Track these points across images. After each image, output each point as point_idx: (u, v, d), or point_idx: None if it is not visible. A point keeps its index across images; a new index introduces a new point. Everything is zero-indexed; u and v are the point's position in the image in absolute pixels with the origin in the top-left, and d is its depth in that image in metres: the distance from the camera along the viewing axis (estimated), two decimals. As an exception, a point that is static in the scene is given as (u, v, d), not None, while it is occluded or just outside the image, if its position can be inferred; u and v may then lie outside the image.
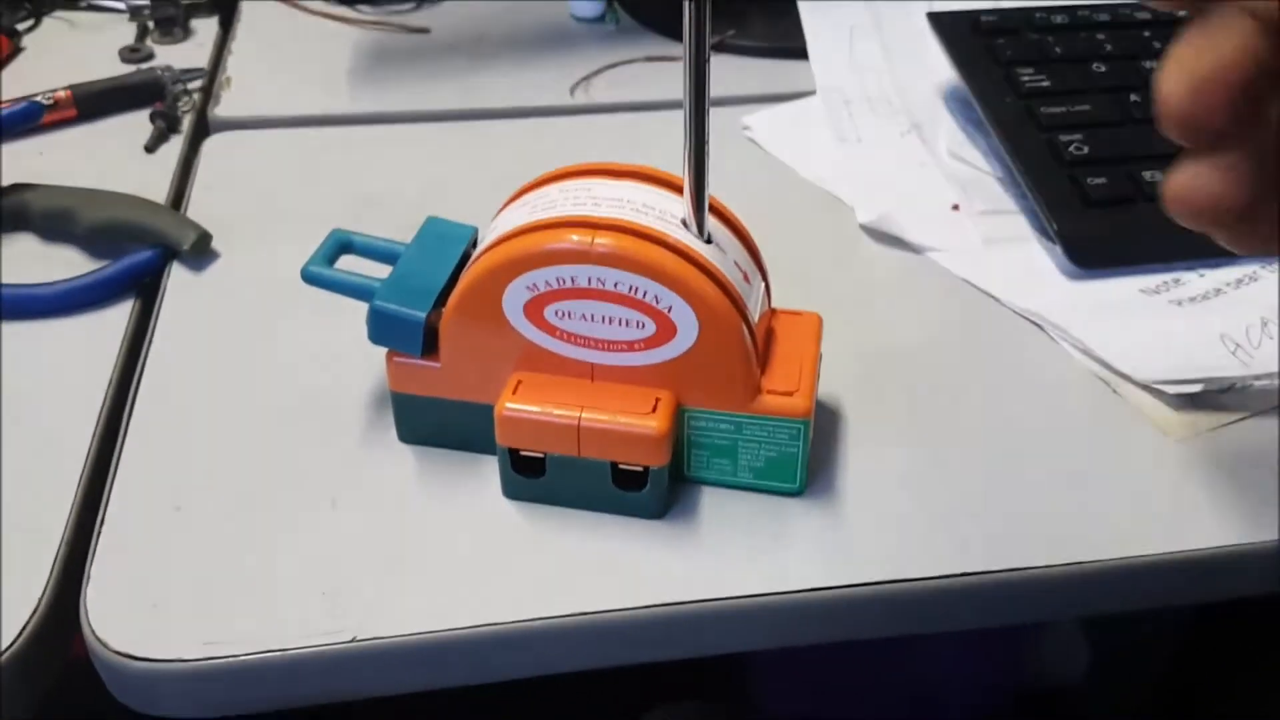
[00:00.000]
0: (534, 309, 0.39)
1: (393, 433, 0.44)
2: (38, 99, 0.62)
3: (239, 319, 0.50)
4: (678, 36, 0.35)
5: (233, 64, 0.68)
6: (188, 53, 0.70)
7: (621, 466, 0.40)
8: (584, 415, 0.39)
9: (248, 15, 0.74)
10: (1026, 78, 0.58)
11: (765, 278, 0.42)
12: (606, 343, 0.39)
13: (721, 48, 0.69)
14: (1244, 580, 0.41)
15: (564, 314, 0.39)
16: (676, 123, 0.37)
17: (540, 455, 0.40)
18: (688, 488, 0.42)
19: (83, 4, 0.75)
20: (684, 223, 0.39)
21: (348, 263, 0.43)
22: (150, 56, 0.70)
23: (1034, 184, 0.53)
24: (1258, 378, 0.45)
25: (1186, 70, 0.29)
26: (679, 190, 0.39)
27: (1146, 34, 0.60)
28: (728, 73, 0.67)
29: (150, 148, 0.61)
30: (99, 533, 0.40)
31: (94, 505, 0.41)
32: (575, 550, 0.40)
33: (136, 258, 0.52)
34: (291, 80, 0.67)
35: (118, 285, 0.51)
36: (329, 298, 0.42)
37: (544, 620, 0.38)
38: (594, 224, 0.38)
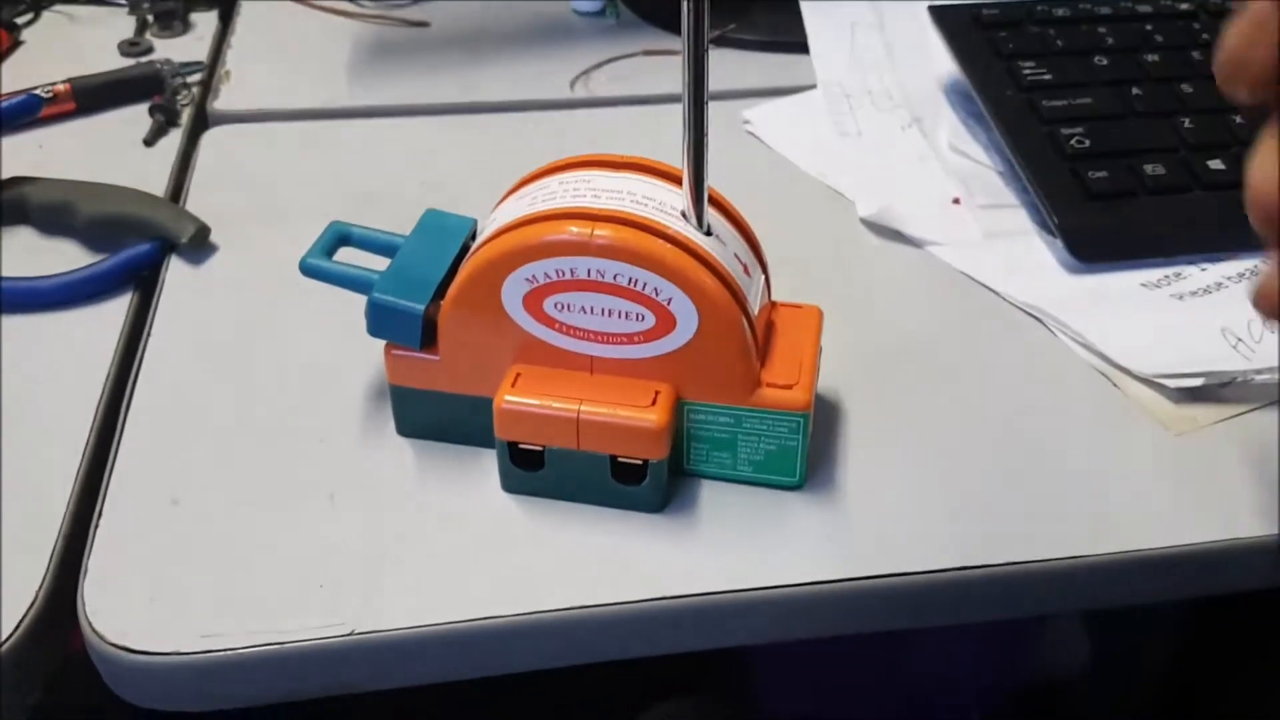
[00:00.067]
0: (533, 301, 0.39)
1: (391, 426, 0.44)
2: (37, 92, 0.62)
3: (237, 312, 0.50)
4: (678, 30, 0.35)
5: (232, 57, 0.68)
6: (187, 46, 0.70)
7: (621, 460, 0.39)
8: (583, 408, 0.39)
9: (247, 9, 0.74)
10: (1028, 71, 0.57)
11: (765, 271, 0.42)
12: (606, 335, 0.39)
13: (722, 41, 0.69)
14: (1245, 575, 0.41)
15: (563, 306, 0.39)
16: (676, 116, 0.37)
17: (539, 448, 0.40)
18: (687, 481, 0.42)
19: (82, -3, 0.75)
20: (683, 215, 0.39)
21: (346, 255, 0.43)
22: (149, 50, 0.69)
23: (1035, 177, 0.53)
24: (1259, 372, 0.45)
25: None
26: (678, 182, 0.39)
27: (1148, 27, 0.60)
28: (728, 66, 0.67)
29: (149, 141, 0.61)
30: (97, 526, 0.40)
31: (92, 498, 0.41)
32: (574, 544, 0.40)
33: (135, 251, 0.52)
34: (291, 74, 0.67)
35: (116, 278, 0.51)
36: (327, 290, 0.42)
37: (543, 614, 0.37)
38: (593, 216, 0.38)
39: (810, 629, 0.40)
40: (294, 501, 0.41)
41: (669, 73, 0.67)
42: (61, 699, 0.42)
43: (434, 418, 0.42)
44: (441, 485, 0.42)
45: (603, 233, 0.37)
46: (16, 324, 0.49)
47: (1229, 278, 0.50)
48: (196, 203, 0.56)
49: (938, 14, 0.62)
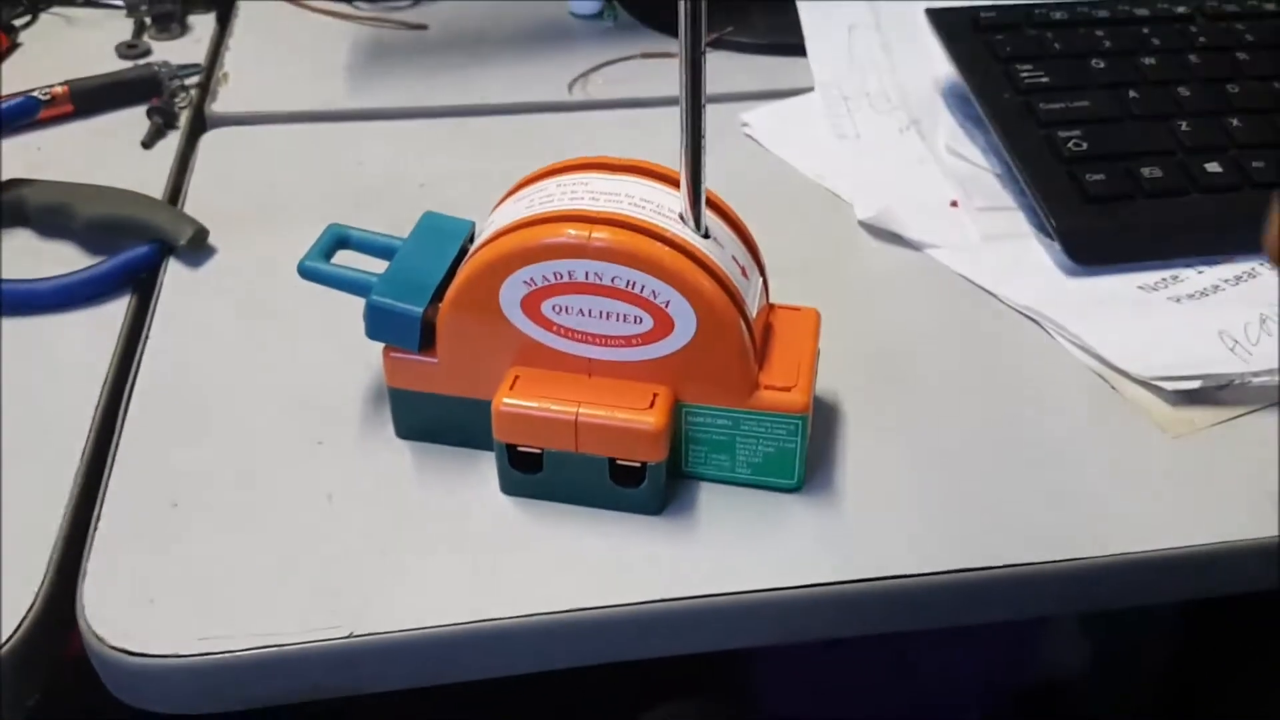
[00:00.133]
0: (531, 304, 0.39)
1: (390, 428, 0.44)
2: (35, 94, 0.62)
3: (236, 314, 0.50)
4: (675, 33, 0.35)
5: (230, 60, 0.68)
6: (185, 48, 0.70)
7: (619, 462, 0.39)
8: (581, 410, 0.39)
9: (245, 11, 0.74)
10: (1025, 74, 0.58)
11: (763, 273, 0.42)
12: (604, 338, 0.39)
13: (720, 44, 0.69)
14: (1242, 576, 0.41)
15: (561, 309, 0.39)
16: (674, 119, 0.37)
17: (538, 451, 0.40)
18: (685, 483, 0.42)
19: (79, 0, 0.75)
20: (681, 218, 0.39)
21: (345, 258, 0.43)
22: (147, 52, 0.70)
23: (1032, 180, 0.53)
24: (1256, 374, 0.45)
25: None
26: (676, 185, 0.39)
27: (1145, 31, 0.60)
28: (726, 69, 0.67)
29: (147, 143, 0.61)
30: (95, 528, 0.40)
31: (90, 501, 0.41)
32: (573, 546, 0.40)
33: (133, 253, 0.52)
34: (289, 76, 0.67)
35: (114, 280, 0.51)
36: (326, 293, 0.42)
37: (541, 616, 0.37)
38: (591, 218, 0.38)
39: (809, 631, 0.40)
40: (293, 504, 0.41)
41: (667, 75, 0.67)
42: (59, 701, 0.42)
43: (432, 420, 0.43)
44: (440, 487, 0.42)
45: (600, 235, 0.37)
46: (15, 326, 0.49)
47: (1226, 280, 0.51)
48: (195, 205, 0.56)
49: (935, 16, 0.62)
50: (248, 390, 0.46)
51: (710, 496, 0.41)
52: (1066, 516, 0.41)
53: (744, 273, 0.40)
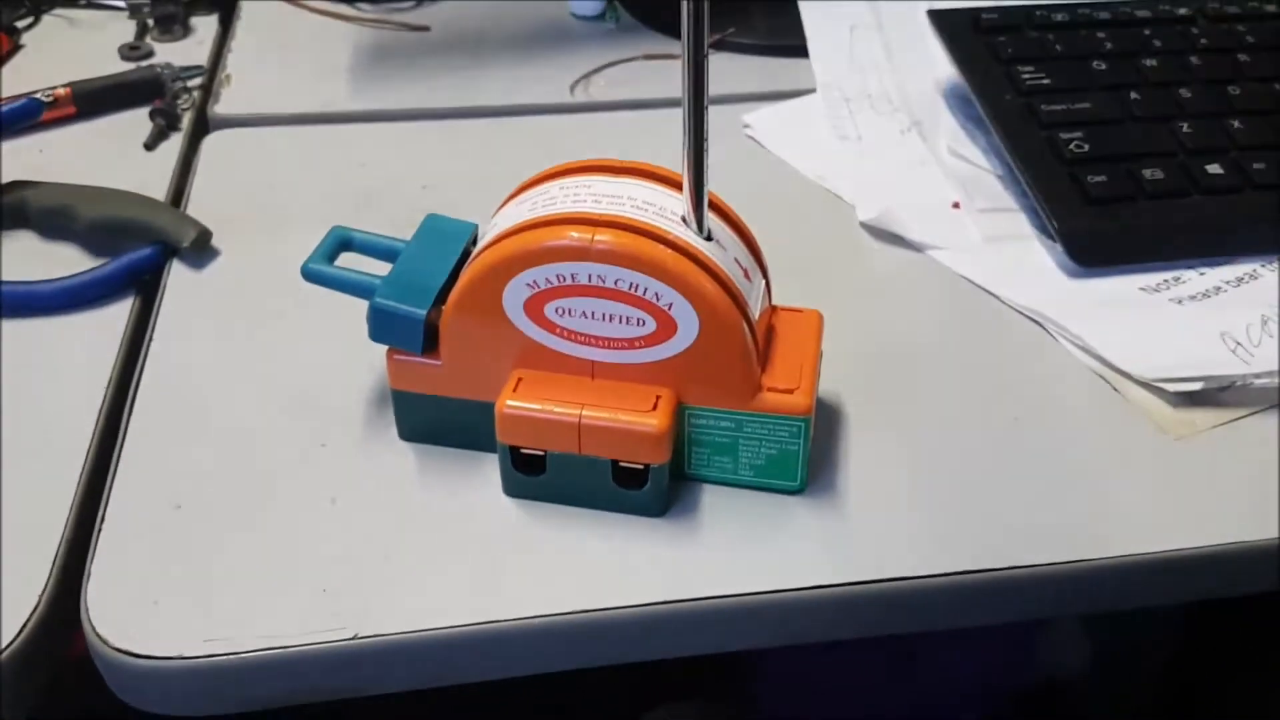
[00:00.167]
0: (534, 306, 0.39)
1: (393, 430, 0.44)
2: (37, 96, 0.62)
3: (239, 316, 0.50)
4: (677, 35, 0.35)
5: (232, 61, 0.68)
6: (187, 50, 0.70)
7: (622, 464, 0.40)
8: (584, 413, 0.39)
9: (247, 12, 0.74)
10: (1027, 75, 0.58)
11: (766, 275, 0.42)
12: (607, 340, 0.39)
13: (721, 45, 0.69)
14: (1244, 578, 0.41)
15: (564, 311, 0.39)
16: (676, 121, 0.37)
17: (541, 453, 0.40)
18: (688, 486, 0.42)
19: (82, 1, 0.75)
20: (684, 220, 0.39)
21: (348, 260, 0.43)
22: (150, 54, 0.70)
23: (1034, 182, 0.53)
24: (1258, 376, 0.45)
25: None
26: (679, 187, 0.39)
27: (1146, 32, 0.60)
28: (728, 70, 0.67)
29: (150, 145, 0.61)
30: (99, 530, 0.40)
31: (94, 503, 0.41)
32: (575, 548, 0.40)
33: (136, 255, 0.52)
34: (291, 78, 0.67)
35: (117, 282, 0.51)
36: (329, 295, 0.42)
37: (544, 618, 0.38)
38: (594, 221, 0.38)
39: (811, 633, 0.40)
40: (296, 505, 0.41)
41: (668, 77, 0.67)
42: (61, 701, 0.42)
43: (435, 422, 0.43)
44: (443, 489, 0.42)
45: (603, 238, 0.37)
46: (18, 328, 0.49)
47: (1228, 282, 0.51)
48: (197, 207, 0.56)
49: (937, 18, 0.62)
50: (251, 392, 0.46)
51: (713, 498, 0.42)
52: (1068, 518, 0.41)
53: (746, 275, 0.40)
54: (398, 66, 0.68)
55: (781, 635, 0.40)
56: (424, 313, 0.40)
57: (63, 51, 0.70)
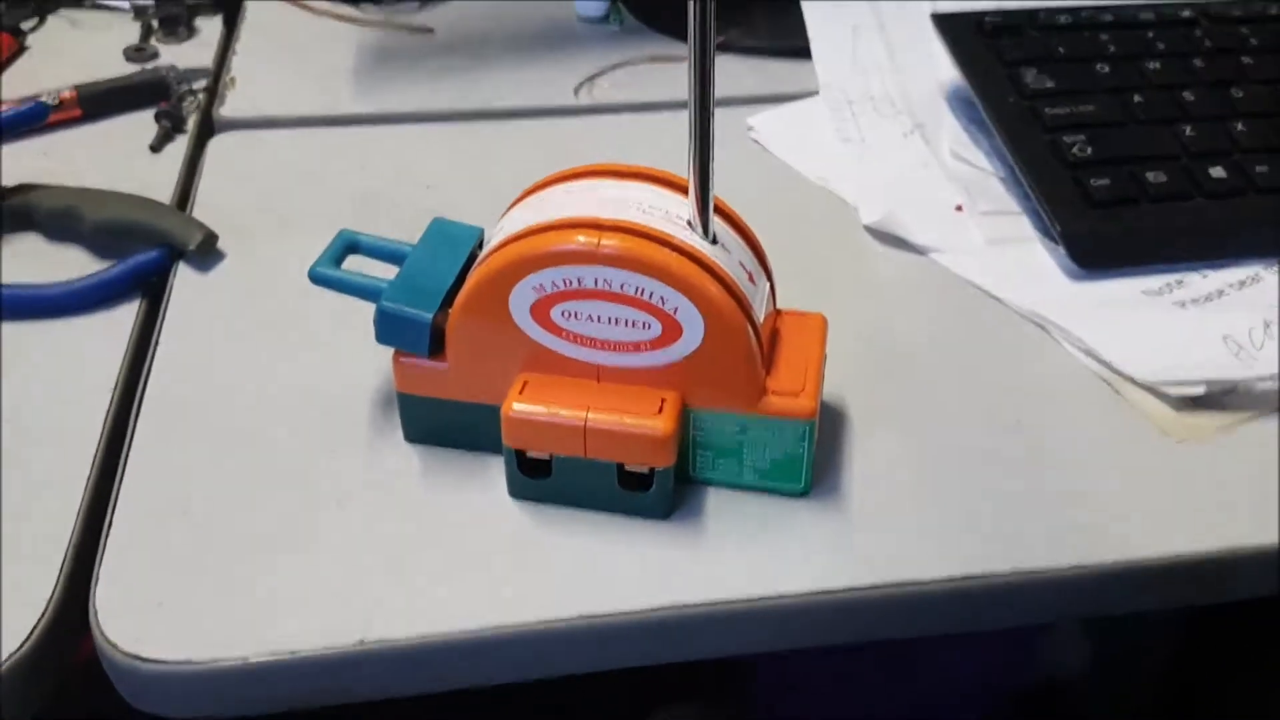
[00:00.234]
0: (540, 310, 0.39)
1: (399, 433, 0.44)
2: (43, 99, 0.62)
3: (245, 319, 0.50)
4: (681, 36, 0.36)
5: (237, 64, 0.68)
6: (192, 52, 0.70)
7: (627, 467, 0.40)
8: (590, 416, 0.39)
9: (252, 15, 0.74)
10: (1030, 78, 0.58)
11: (770, 278, 0.42)
12: (612, 344, 0.39)
13: (725, 48, 0.69)
14: (1246, 582, 0.41)
15: (570, 315, 0.39)
16: (680, 123, 0.37)
17: (546, 456, 0.40)
18: (693, 488, 0.42)
19: (87, 3, 0.75)
20: (689, 224, 0.39)
21: (355, 263, 0.44)
22: (155, 56, 0.70)
23: (1037, 184, 0.53)
24: (1260, 379, 0.46)
25: None
26: (684, 191, 0.39)
27: (1149, 35, 0.60)
28: (731, 73, 0.67)
29: (155, 147, 0.61)
30: (107, 534, 0.40)
31: (102, 507, 0.41)
32: (581, 551, 0.40)
33: (142, 258, 0.52)
34: (296, 80, 0.67)
35: (124, 285, 0.51)
36: (336, 298, 0.43)
37: (550, 622, 0.38)
38: (600, 225, 0.38)
39: (816, 637, 0.40)
40: (303, 509, 0.41)
41: (673, 79, 0.67)
42: (67, 704, 0.42)
43: (441, 425, 0.43)
44: (449, 492, 0.42)
45: (609, 242, 0.37)
46: (24, 331, 0.49)
47: (1231, 285, 0.51)
48: (203, 209, 0.56)
49: (940, 20, 0.62)
50: (258, 395, 0.46)
51: (718, 501, 0.42)
52: (1072, 521, 0.41)
53: (751, 278, 0.40)
54: (402, 69, 0.68)
55: (786, 639, 0.40)
56: (431, 316, 0.40)
57: (67, 53, 0.70)
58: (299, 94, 0.65)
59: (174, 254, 0.53)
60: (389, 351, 0.42)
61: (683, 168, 0.38)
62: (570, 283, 0.38)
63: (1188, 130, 0.55)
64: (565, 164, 0.42)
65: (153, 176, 0.59)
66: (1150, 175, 0.53)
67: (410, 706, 0.41)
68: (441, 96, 0.65)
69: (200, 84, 0.66)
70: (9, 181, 0.56)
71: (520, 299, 0.39)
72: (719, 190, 0.39)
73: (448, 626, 0.37)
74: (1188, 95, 0.57)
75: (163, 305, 0.51)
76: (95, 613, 0.38)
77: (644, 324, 0.39)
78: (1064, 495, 0.42)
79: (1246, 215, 0.53)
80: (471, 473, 0.43)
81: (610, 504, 0.41)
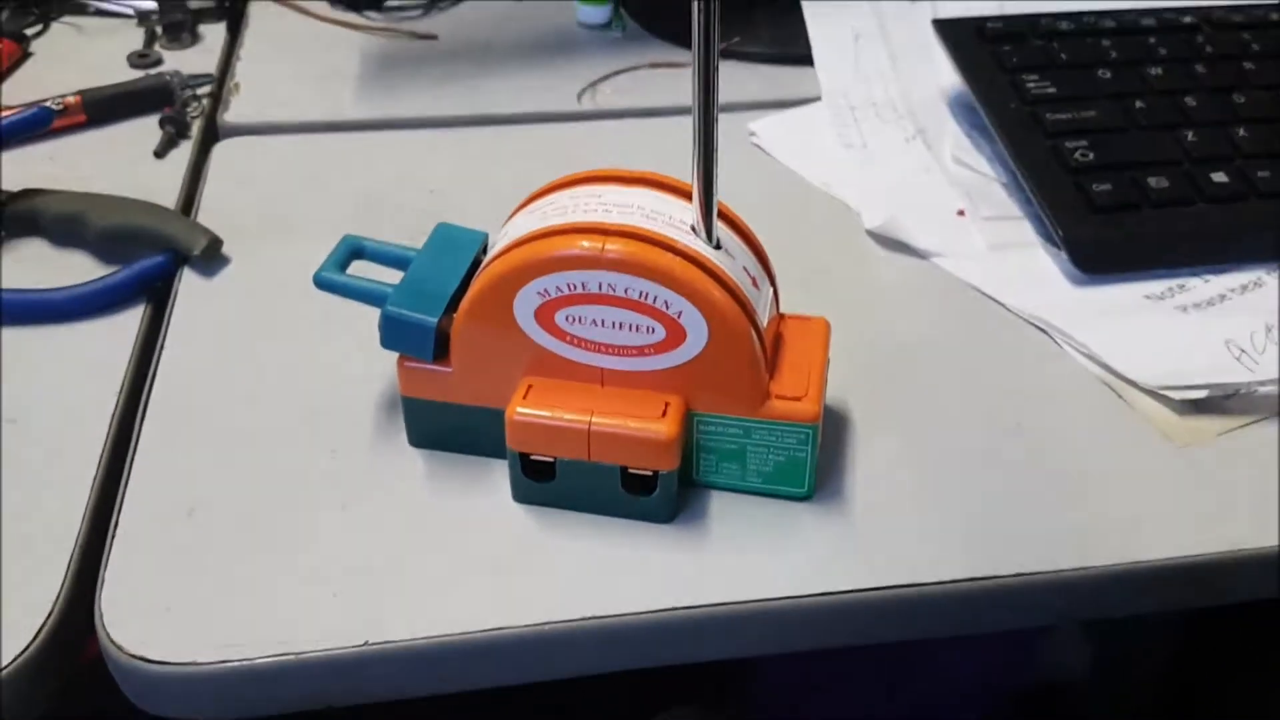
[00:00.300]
0: (545, 314, 0.39)
1: (403, 437, 0.44)
2: (47, 104, 0.62)
3: (250, 324, 0.50)
4: (683, 43, 0.36)
5: (241, 70, 0.69)
6: (196, 58, 0.71)
7: (631, 471, 0.40)
8: (594, 420, 0.39)
9: (256, 21, 0.74)
10: (1032, 84, 0.58)
11: (773, 283, 0.42)
12: (617, 348, 0.39)
13: (727, 54, 0.69)
14: (1246, 585, 0.42)
15: (575, 319, 0.39)
16: (682, 129, 0.37)
17: (550, 460, 0.40)
18: (697, 492, 0.42)
19: (91, 9, 0.75)
20: (693, 229, 0.39)
21: (359, 268, 0.44)
22: (159, 62, 0.70)
23: (1039, 189, 0.54)
24: (1262, 383, 0.46)
25: None
26: (688, 196, 0.39)
27: (1151, 40, 0.60)
28: (733, 79, 0.68)
29: (160, 153, 0.62)
30: (113, 537, 0.40)
31: (108, 510, 0.42)
32: (585, 554, 0.40)
33: (147, 263, 0.52)
34: (300, 86, 0.67)
35: (129, 290, 0.51)
36: (340, 303, 0.43)
37: (553, 624, 0.38)
38: (604, 230, 0.38)
39: (819, 640, 0.40)
40: (308, 512, 0.41)
41: (675, 85, 0.67)
42: (72, 704, 0.42)
43: (446, 429, 0.43)
44: (453, 496, 0.42)
45: (614, 247, 0.37)
46: (29, 335, 0.49)
47: (1232, 290, 0.51)
48: (208, 215, 0.57)
49: (942, 26, 0.62)
50: (263, 399, 0.46)
51: (721, 505, 0.42)
52: (1075, 525, 0.41)
53: (754, 283, 0.40)
54: (406, 75, 0.68)
55: (789, 641, 0.40)
56: (435, 320, 0.40)
57: (72, 59, 0.70)
58: (303, 100, 0.66)
59: (179, 259, 0.53)
60: (394, 356, 0.42)
61: (685, 173, 0.38)
62: (574, 287, 0.38)
63: (1189, 135, 0.55)
64: (568, 169, 0.42)
65: (157, 182, 0.59)
66: (1152, 180, 0.53)
67: (414, 708, 0.41)
68: (445, 102, 0.66)
69: (204, 90, 0.67)
70: (14, 186, 0.56)
71: (525, 303, 0.39)
72: (722, 195, 0.39)
73: (452, 628, 0.37)
74: (1189, 101, 0.57)
75: (167, 310, 0.51)
76: (100, 614, 0.38)
77: (648, 328, 0.39)
78: (1065, 498, 0.42)
79: (1248, 220, 0.53)
80: (476, 477, 0.43)
81: (614, 508, 0.41)
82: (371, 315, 0.41)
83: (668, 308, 0.38)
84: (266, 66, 0.69)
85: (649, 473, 0.40)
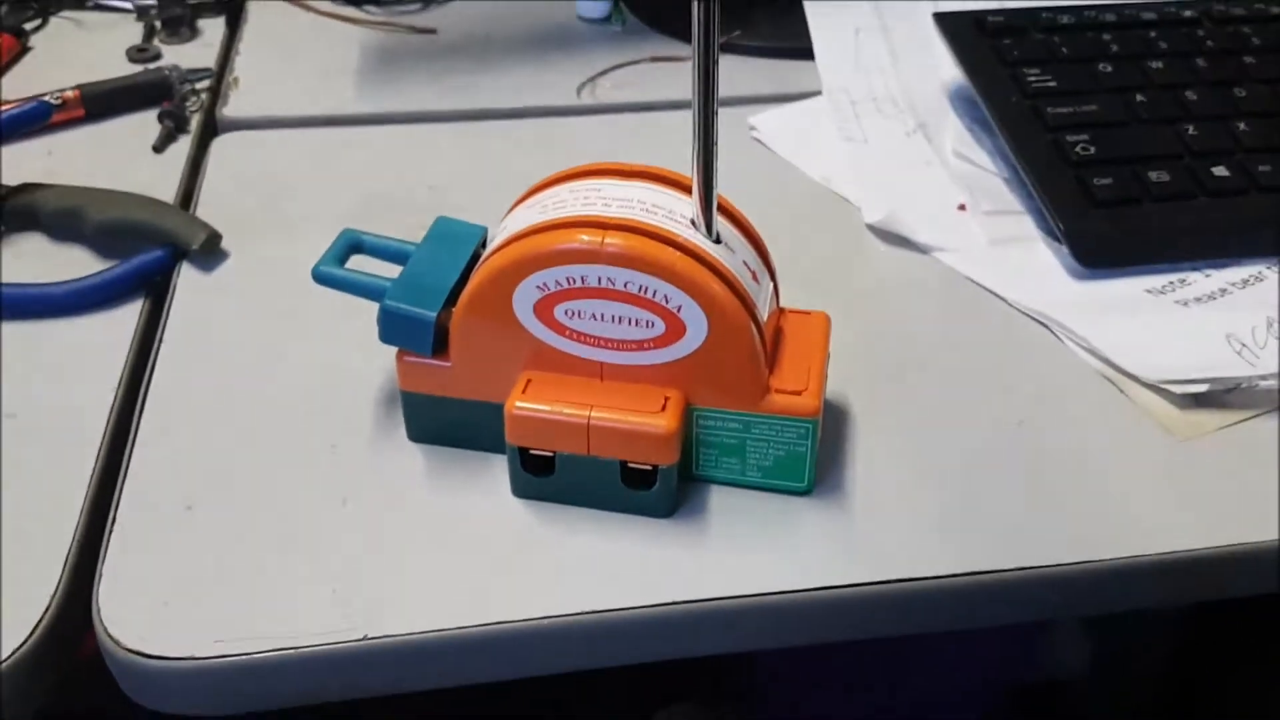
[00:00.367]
0: (544, 308, 0.39)
1: (402, 431, 0.44)
2: (46, 99, 0.62)
3: (249, 318, 0.50)
4: (683, 37, 0.36)
5: (240, 64, 0.69)
6: (195, 52, 0.71)
7: (631, 465, 0.40)
8: (593, 414, 0.39)
9: (255, 15, 0.74)
10: (1033, 78, 0.58)
11: (774, 277, 0.42)
12: (616, 342, 0.39)
13: (727, 48, 0.69)
14: (1249, 579, 0.42)
15: (574, 313, 0.39)
16: (682, 123, 0.37)
17: (550, 454, 0.40)
18: (696, 487, 0.42)
19: (89, 4, 0.75)
20: (693, 223, 0.39)
21: (358, 262, 0.44)
22: (158, 56, 0.70)
23: (1040, 184, 0.54)
24: (1263, 377, 0.46)
25: None
26: (687, 190, 0.39)
27: (1152, 34, 0.60)
28: (734, 73, 0.67)
29: (158, 148, 0.62)
30: (110, 531, 0.40)
31: (106, 504, 0.42)
32: (584, 549, 0.40)
33: (146, 257, 0.52)
34: (299, 80, 0.67)
35: (127, 285, 0.51)
36: (339, 297, 0.43)
37: (553, 619, 0.38)
38: (604, 224, 0.38)
39: (818, 635, 0.40)
40: (307, 506, 0.41)
41: (675, 79, 0.67)
42: (69, 699, 0.42)
43: (445, 423, 0.43)
44: (452, 490, 0.42)
45: (613, 241, 0.37)
46: (28, 330, 0.49)
47: (1233, 284, 0.51)
48: (207, 209, 0.57)
49: (942, 20, 0.62)
50: (261, 394, 0.46)
51: (721, 499, 0.42)
52: (1075, 519, 0.41)
53: (755, 277, 0.40)
54: (405, 69, 0.68)
55: (789, 636, 0.40)
56: (434, 315, 0.40)
57: (70, 54, 0.70)
58: (302, 94, 0.66)
59: (177, 254, 0.53)
60: (392, 350, 0.42)
61: (685, 167, 0.38)
62: (574, 281, 0.38)
63: (1190, 130, 0.55)
64: (568, 163, 0.42)
65: (156, 176, 0.59)
66: (1153, 174, 0.53)
67: (412, 703, 0.41)
68: (444, 96, 0.66)
69: (203, 84, 0.67)
70: (13, 181, 0.56)
71: (524, 298, 0.39)
72: (722, 190, 0.39)
73: (451, 623, 0.37)
74: (1190, 95, 0.57)
75: (166, 305, 0.51)
76: (98, 609, 0.38)
77: (647, 322, 0.39)
78: (1066, 492, 0.42)
79: (1249, 214, 0.53)
80: (475, 471, 0.43)
81: (613, 502, 0.41)
82: (370, 310, 0.41)
83: (667, 302, 0.38)
84: (265, 61, 0.69)
85: (648, 467, 0.40)
